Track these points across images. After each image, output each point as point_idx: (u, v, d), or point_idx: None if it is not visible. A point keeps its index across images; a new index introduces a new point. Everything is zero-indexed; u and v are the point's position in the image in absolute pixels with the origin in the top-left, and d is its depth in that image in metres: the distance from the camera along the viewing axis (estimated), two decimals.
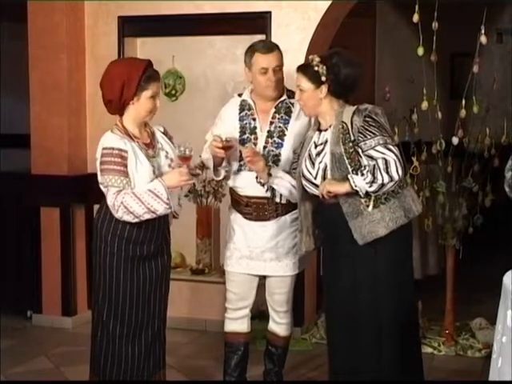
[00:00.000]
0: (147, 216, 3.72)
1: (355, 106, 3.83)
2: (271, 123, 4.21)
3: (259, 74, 4.15)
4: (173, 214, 3.99)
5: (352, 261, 3.82)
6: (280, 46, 5.35)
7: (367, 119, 3.75)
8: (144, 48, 5.96)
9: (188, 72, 5.87)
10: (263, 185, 4.15)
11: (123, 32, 5.86)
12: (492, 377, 3.06)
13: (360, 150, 3.74)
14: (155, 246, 3.88)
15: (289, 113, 4.22)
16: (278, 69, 4.18)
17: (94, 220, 3.93)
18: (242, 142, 4.21)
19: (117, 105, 3.80)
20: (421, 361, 4.02)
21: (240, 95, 4.35)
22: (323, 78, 3.82)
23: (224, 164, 4.18)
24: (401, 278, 3.89)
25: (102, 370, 3.88)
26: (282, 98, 4.24)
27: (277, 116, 4.21)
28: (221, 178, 4.26)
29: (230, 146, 4.07)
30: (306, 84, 3.86)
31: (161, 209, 3.72)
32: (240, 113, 4.26)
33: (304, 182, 3.94)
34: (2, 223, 6.06)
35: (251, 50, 4.20)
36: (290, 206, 4.23)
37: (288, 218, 4.25)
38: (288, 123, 4.20)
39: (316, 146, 3.91)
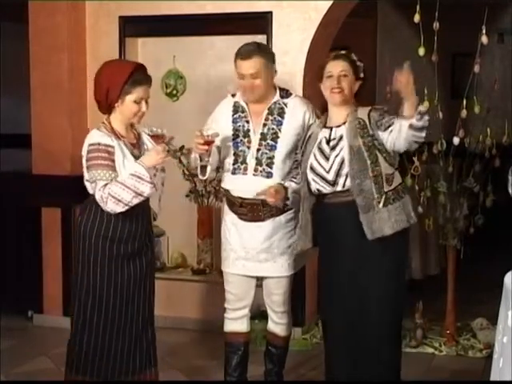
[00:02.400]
0: (136, 200, 3.75)
1: (370, 107, 3.92)
2: (264, 125, 4.21)
3: (238, 79, 4.20)
4: (153, 215, 4.07)
5: (358, 259, 3.84)
6: (281, 46, 5.42)
7: (384, 113, 3.86)
8: (145, 48, 5.96)
9: (189, 72, 5.87)
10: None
11: (124, 32, 5.86)
12: (493, 377, 3.07)
13: (385, 125, 3.81)
14: (139, 243, 3.92)
15: (282, 114, 4.21)
16: (255, 76, 4.14)
17: (76, 220, 3.97)
18: (235, 145, 4.21)
19: (104, 105, 3.89)
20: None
21: (234, 95, 4.34)
22: (361, 75, 3.94)
23: (206, 159, 4.08)
24: (400, 279, 3.93)
25: (82, 366, 3.88)
26: (275, 99, 4.24)
27: (270, 118, 4.20)
28: (206, 176, 4.16)
29: (212, 141, 4.04)
30: (350, 71, 3.92)
31: (146, 190, 3.76)
32: (233, 114, 4.26)
33: (312, 177, 3.93)
34: (3, 223, 6.06)
35: (235, 55, 4.22)
36: (284, 206, 4.24)
37: (283, 218, 4.25)
38: (281, 125, 4.20)
39: (329, 142, 3.92)
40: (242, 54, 4.17)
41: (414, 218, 3.96)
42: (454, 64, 8.80)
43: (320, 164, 3.91)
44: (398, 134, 3.74)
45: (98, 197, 3.76)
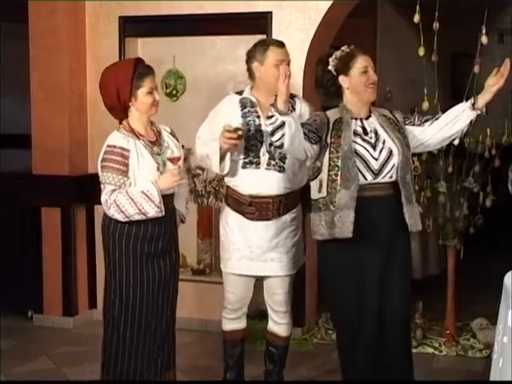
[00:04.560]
0: (137, 217, 3.78)
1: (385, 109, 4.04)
2: None
3: (274, 67, 4.16)
4: (180, 217, 4.12)
5: (389, 256, 3.82)
6: None
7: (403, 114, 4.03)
8: (145, 48, 5.96)
9: (189, 72, 5.87)
10: (271, 117, 3.68)
11: (124, 32, 5.86)
12: (493, 377, 3.07)
13: (420, 119, 3.99)
14: (163, 243, 3.93)
15: (291, 110, 4.22)
16: (289, 63, 4.22)
17: (102, 219, 3.96)
18: (247, 138, 4.20)
19: (119, 109, 3.89)
20: None
21: (239, 93, 4.35)
22: None
23: (228, 154, 4.15)
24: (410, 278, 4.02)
25: (112, 369, 3.91)
26: None
27: None
28: (226, 171, 4.20)
29: (242, 136, 4.10)
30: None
31: (152, 212, 3.78)
32: (242, 110, 4.26)
33: (358, 163, 3.79)
34: (3, 223, 6.06)
35: (264, 45, 4.26)
36: (290, 205, 4.26)
37: (288, 216, 4.27)
38: None
39: (367, 133, 3.87)
40: (278, 41, 4.33)
41: None
42: (454, 64, 8.80)
43: (368, 151, 3.83)
44: (452, 124, 3.93)
45: (102, 199, 3.78)
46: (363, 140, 3.85)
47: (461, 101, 5.12)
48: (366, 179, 3.79)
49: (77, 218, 5.91)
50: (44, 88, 5.84)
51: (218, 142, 4.11)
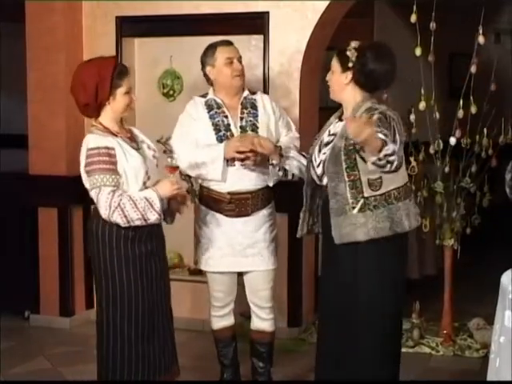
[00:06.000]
0: (138, 222, 3.72)
1: (370, 104, 3.74)
2: (241, 119, 4.32)
3: (225, 66, 4.28)
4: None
5: (334, 257, 3.79)
6: (278, 45, 5.47)
7: (381, 124, 3.57)
8: (142, 48, 5.96)
9: (186, 72, 5.87)
10: (275, 166, 4.21)
11: (121, 32, 5.86)
12: (490, 377, 3.07)
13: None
14: (156, 242, 3.91)
15: (255, 107, 4.35)
16: (240, 60, 4.32)
17: (90, 225, 3.86)
18: (219, 139, 4.26)
19: (93, 107, 3.80)
20: None
21: (202, 96, 4.41)
22: (350, 64, 3.77)
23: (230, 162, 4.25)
24: (383, 290, 3.74)
25: (119, 373, 3.83)
26: (245, 94, 4.38)
27: (245, 111, 4.34)
28: (225, 178, 4.26)
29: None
30: (335, 65, 3.85)
31: (153, 218, 3.74)
32: (209, 112, 4.32)
33: (310, 167, 3.91)
34: (0, 223, 6.05)
35: (212, 48, 4.34)
36: (266, 200, 4.34)
37: (265, 211, 4.35)
38: (257, 116, 4.33)
39: (329, 135, 3.87)
40: (224, 41, 4.36)
41: (408, 226, 3.73)
42: (451, 64, 8.81)
43: (315, 156, 3.87)
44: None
45: (103, 203, 3.65)
46: (320, 144, 3.89)
47: (458, 100, 5.17)
48: (316, 181, 3.87)
49: (74, 218, 5.91)
50: (41, 88, 5.84)
51: (221, 150, 4.18)
